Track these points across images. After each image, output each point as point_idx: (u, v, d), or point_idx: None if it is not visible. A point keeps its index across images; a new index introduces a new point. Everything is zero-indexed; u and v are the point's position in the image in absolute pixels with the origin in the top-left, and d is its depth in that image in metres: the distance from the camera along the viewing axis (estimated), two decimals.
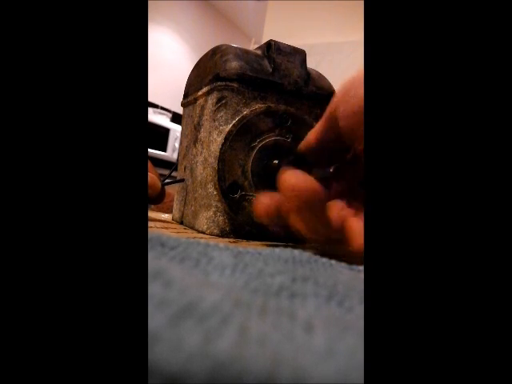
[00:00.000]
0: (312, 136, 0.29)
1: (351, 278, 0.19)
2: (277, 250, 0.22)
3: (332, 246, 0.37)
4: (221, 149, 0.33)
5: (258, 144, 0.34)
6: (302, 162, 0.29)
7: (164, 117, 2.96)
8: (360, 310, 0.14)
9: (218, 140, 0.33)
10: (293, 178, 0.24)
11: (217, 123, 0.33)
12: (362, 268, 0.21)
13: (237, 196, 0.33)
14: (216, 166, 0.33)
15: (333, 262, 0.22)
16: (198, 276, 0.15)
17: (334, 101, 0.27)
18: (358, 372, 0.09)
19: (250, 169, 0.34)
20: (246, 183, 0.34)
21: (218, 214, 0.34)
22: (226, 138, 0.33)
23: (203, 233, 0.34)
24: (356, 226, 0.25)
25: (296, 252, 0.22)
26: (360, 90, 0.25)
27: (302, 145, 0.30)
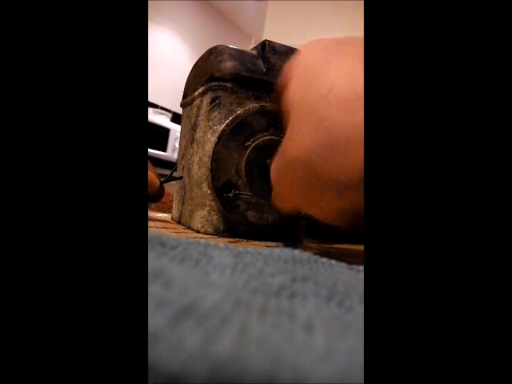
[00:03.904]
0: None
1: (351, 278, 0.19)
2: (277, 249, 0.22)
3: (332, 246, 0.37)
4: (214, 148, 0.33)
5: (252, 143, 0.34)
6: None
7: (164, 117, 2.96)
8: (360, 310, 0.14)
9: (211, 140, 0.33)
10: None
11: (211, 123, 0.34)
12: (361, 268, 0.21)
13: (230, 195, 0.34)
14: (210, 165, 0.33)
15: (333, 261, 0.22)
16: (198, 276, 0.15)
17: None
18: (358, 372, 0.09)
19: (243, 168, 0.34)
20: (239, 182, 0.34)
21: (212, 212, 0.34)
22: (219, 138, 0.33)
23: (199, 232, 0.34)
24: None
25: (296, 252, 0.22)
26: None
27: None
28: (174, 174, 0.42)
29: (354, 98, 0.21)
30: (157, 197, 0.38)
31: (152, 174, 0.37)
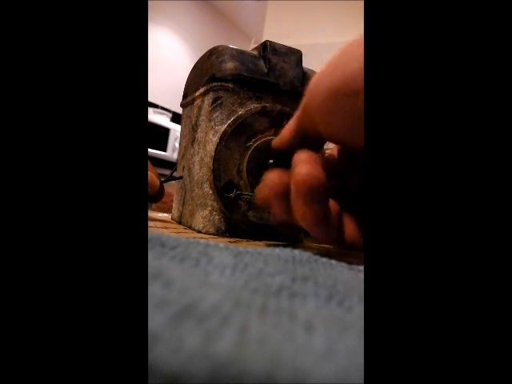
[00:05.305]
0: (285, 132, 0.29)
1: (351, 278, 0.19)
2: (277, 249, 0.22)
3: (332, 246, 0.37)
4: (216, 148, 0.33)
5: (254, 144, 0.34)
6: (284, 162, 0.28)
7: (164, 117, 2.96)
8: (360, 310, 0.14)
9: (213, 140, 0.33)
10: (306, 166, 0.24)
11: (212, 123, 0.34)
12: (361, 268, 0.21)
13: (232, 195, 0.34)
14: (211, 165, 0.33)
15: (333, 261, 0.22)
16: (198, 276, 0.15)
17: (305, 96, 0.26)
18: (358, 372, 0.09)
19: (245, 168, 0.34)
20: (241, 183, 0.34)
21: (214, 213, 0.34)
22: (221, 138, 0.33)
23: (200, 232, 0.34)
24: (350, 222, 0.26)
25: (296, 252, 0.22)
26: (327, 83, 0.24)
27: (276, 142, 0.30)
28: (174, 174, 0.42)
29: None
30: (157, 197, 0.38)
31: (152, 174, 0.37)
